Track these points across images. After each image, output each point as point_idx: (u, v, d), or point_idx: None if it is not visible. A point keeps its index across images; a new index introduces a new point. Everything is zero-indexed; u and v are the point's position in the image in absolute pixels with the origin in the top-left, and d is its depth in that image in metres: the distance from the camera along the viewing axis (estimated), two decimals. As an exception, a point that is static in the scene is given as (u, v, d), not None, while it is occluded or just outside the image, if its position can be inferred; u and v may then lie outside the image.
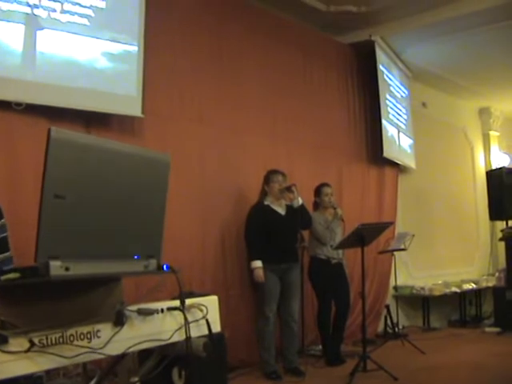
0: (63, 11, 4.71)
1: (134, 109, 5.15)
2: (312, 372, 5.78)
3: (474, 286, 9.36)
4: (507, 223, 8.82)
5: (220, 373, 4.41)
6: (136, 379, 2.45)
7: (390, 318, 7.71)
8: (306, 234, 6.27)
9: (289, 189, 5.77)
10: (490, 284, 9.34)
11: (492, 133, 11.69)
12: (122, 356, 2.37)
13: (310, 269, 6.24)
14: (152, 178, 2.19)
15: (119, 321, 2.16)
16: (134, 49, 5.16)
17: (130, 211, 2.10)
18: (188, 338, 2.29)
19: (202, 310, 2.47)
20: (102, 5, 4.95)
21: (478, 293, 9.53)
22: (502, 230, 8.58)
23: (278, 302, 5.74)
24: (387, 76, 8.29)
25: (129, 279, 4.34)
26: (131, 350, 2.19)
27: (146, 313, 2.27)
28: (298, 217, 5.79)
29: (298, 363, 5.79)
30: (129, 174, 2.08)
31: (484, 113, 11.62)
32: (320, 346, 6.37)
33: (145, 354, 2.60)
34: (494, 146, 11.69)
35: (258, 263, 5.60)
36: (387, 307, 7.79)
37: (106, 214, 2.01)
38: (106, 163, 1.98)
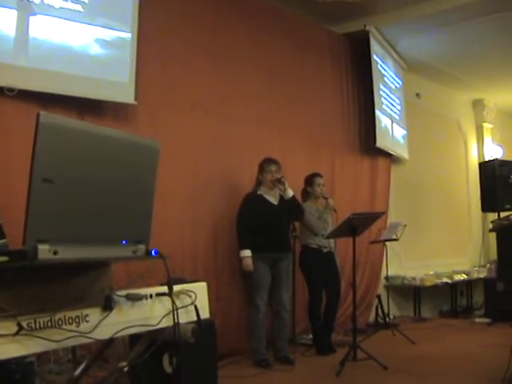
0: (56, -3, 4.69)
1: (127, 96, 5.15)
2: (302, 361, 5.82)
3: (466, 276, 9.43)
4: (499, 215, 8.86)
5: (210, 360, 4.42)
6: (124, 364, 2.46)
7: (381, 307, 7.73)
8: (297, 223, 6.29)
9: (279, 181, 5.77)
10: (482, 275, 9.41)
11: (485, 125, 11.72)
12: (111, 341, 2.38)
13: (301, 258, 6.26)
14: (141, 164, 2.19)
15: (108, 305, 2.17)
16: (127, 35, 5.15)
17: (119, 196, 2.11)
18: (176, 324, 2.30)
19: (190, 296, 2.49)
20: (96, -9, 4.94)
21: (469, 284, 9.60)
22: (492, 221, 8.61)
23: (270, 292, 5.76)
24: (381, 66, 8.29)
25: (119, 264, 4.34)
26: (119, 334, 2.20)
27: (134, 298, 2.28)
28: (292, 208, 5.81)
29: (288, 352, 5.82)
30: (118, 160, 2.08)
31: (478, 105, 11.65)
32: (310, 335, 6.39)
33: (135, 340, 2.62)
34: (488, 138, 11.72)
35: (246, 252, 5.60)
36: (378, 297, 7.81)
37: (95, 198, 2.02)
38: (95, 148, 1.98)
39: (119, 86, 5.13)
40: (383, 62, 8.37)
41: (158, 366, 3.73)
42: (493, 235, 8.83)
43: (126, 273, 4.40)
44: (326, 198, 6.25)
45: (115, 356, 2.78)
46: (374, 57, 7.99)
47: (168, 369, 3.77)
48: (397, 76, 8.94)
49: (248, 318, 5.77)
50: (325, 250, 6.23)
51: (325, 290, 6.27)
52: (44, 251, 1.84)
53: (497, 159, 9.67)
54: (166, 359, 3.38)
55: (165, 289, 2.40)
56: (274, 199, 5.82)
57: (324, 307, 6.30)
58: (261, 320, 5.69)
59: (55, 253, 1.87)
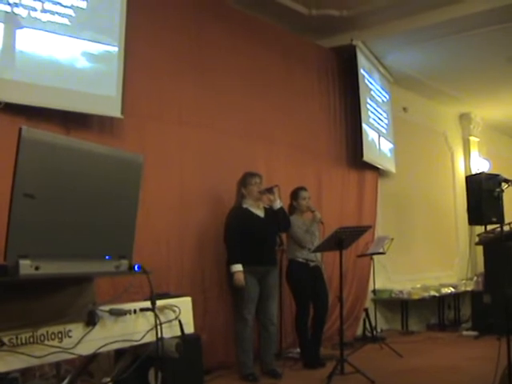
0: (44, 10, 4.69)
1: (114, 109, 5.13)
2: (289, 374, 5.79)
3: (453, 290, 9.44)
4: (485, 228, 8.89)
5: (196, 374, 4.41)
6: (108, 380, 2.45)
7: (369, 321, 7.74)
8: (284, 236, 6.28)
9: (270, 190, 5.77)
10: (469, 288, 9.41)
11: (472, 138, 11.79)
12: (94, 356, 2.37)
13: (288, 272, 6.24)
14: (124, 179, 2.19)
15: (91, 321, 2.17)
16: (114, 49, 5.14)
17: (102, 212, 2.10)
18: (159, 339, 2.30)
19: (174, 311, 2.48)
20: (83, 5, 4.94)
21: (456, 297, 9.61)
22: (478, 235, 8.64)
23: (257, 305, 5.74)
24: (368, 80, 8.33)
25: (105, 279, 4.34)
26: (102, 350, 2.20)
27: (118, 313, 2.27)
28: (278, 219, 5.81)
29: (275, 365, 5.79)
30: (100, 175, 2.08)
31: (464, 118, 11.72)
32: (298, 349, 6.37)
33: (121, 355, 2.60)
34: (474, 152, 11.79)
35: (238, 267, 5.57)
36: (366, 311, 7.82)
37: (77, 214, 2.01)
38: (77, 163, 1.98)
39: (106, 99, 5.13)
40: (370, 76, 8.41)
41: (143, 381, 3.71)
42: (480, 248, 8.86)
43: (112, 287, 4.39)
44: (313, 211, 6.26)
45: (101, 371, 2.76)
46: (361, 71, 8.04)
47: (154, 383, 3.75)
48: (384, 90, 8.98)
49: (235, 331, 5.74)
50: (312, 264, 6.21)
51: (313, 304, 6.25)
52: (25, 266, 1.83)
53: (483, 173, 9.72)
54: (151, 374, 3.36)
55: (149, 304, 2.40)
56: (259, 212, 5.82)
57: (311, 321, 6.29)
58: (248, 334, 5.67)
59: (37, 268, 1.86)
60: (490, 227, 8.77)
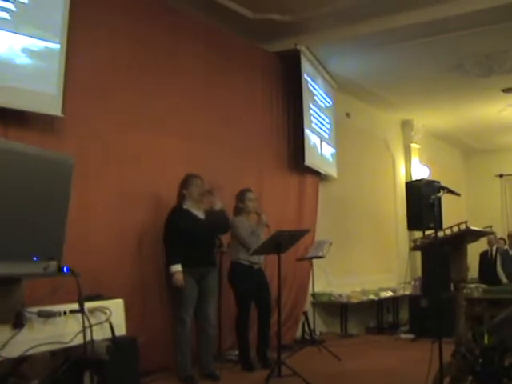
0: (-18, 4, 4.59)
1: (54, 108, 5.03)
2: (228, 377, 5.80)
3: (392, 293, 9.61)
4: (424, 233, 9.07)
5: (132, 377, 4.36)
6: (36, 382, 2.41)
7: (308, 324, 7.80)
8: (225, 238, 6.28)
9: (210, 192, 5.77)
10: (407, 292, 9.60)
11: (413, 145, 12.05)
12: (23, 359, 2.33)
13: (231, 274, 6.25)
14: (54, 180, 2.16)
15: (18, 323, 2.13)
16: (56, 46, 5.05)
17: (30, 212, 2.07)
18: (88, 341, 2.28)
19: (105, 313, 2.46)
20: (25, 0, 4.85)
21: (395, 300, 9.79)
22: (414, 240, 8.79)
23: (195, 307, 5.73)
24: (311, 85, 8.40)
25: (42, 281, 4.26)
26: (30, 352, 2.16)
27: (46, 315, 2.24)
28: (218, 221, 5.82)
29: (213, 368, 5.78)
30: (29, 175, 2.05)
31: (406, 125, 11.96)
32: (237, 351, 6.38)
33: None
34: (415, 158, 12.04)
35: (177, 267, 5.56)
36: (305, 314, 7.88)
37: (5, 214, 1.97)
38: (5, 163, 1.94)
39: (46, 97, 5.02)
40: (313, 82, 8.48)
41: (79, 383, 3.67)
42: (419, 253, 9.03)
43: (47, 289, 4.30)
44: (259, 214, 6.28)
45: (35, 373, 2.72)
46: (305, 76, 8.09)
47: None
48: (327, 95, 9.07)
49: (174, 333, 5.72)
50: (256, 267, 6.25)
51: (256, 307, 6.29)
52: (-51, 267, 1.80)
53: (423, 179, 9.93)
54: (87, 376, 3.33)
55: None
56: (200, 213, 5.81)
57: (257, 323, 6.33)
58: (187, 335, 5.65)
59: (-39, 269, 1.83)
60: (428, 232, 8.96)
